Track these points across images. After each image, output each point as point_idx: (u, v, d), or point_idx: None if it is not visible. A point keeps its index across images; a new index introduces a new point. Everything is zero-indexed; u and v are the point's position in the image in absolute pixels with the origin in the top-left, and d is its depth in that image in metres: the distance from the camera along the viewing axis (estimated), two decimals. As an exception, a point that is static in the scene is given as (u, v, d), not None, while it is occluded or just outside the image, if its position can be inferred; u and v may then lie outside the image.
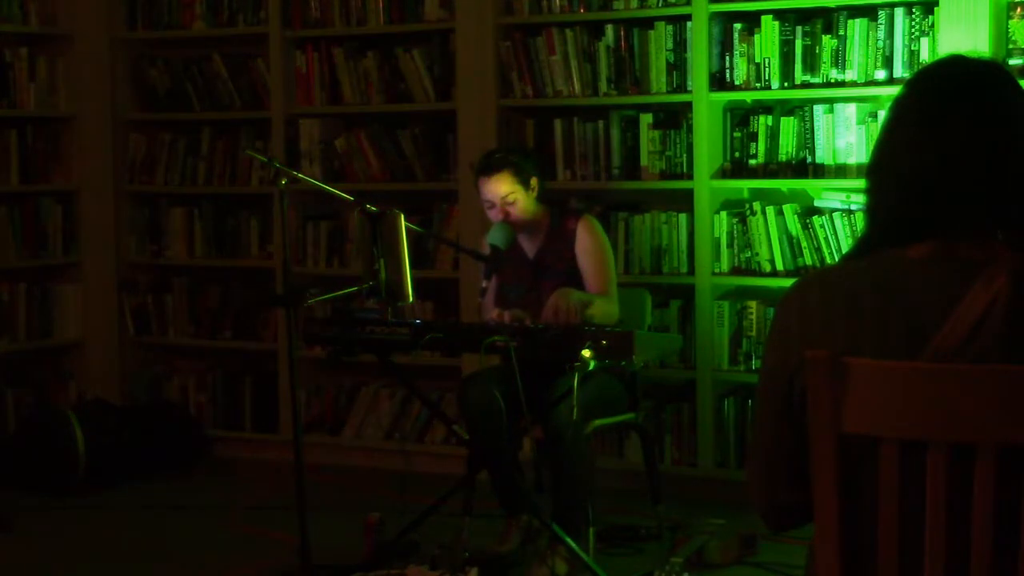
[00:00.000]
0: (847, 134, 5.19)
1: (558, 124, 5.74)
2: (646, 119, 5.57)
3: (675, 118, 5.55)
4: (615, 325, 4.51)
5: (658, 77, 5.53)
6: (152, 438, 6.06)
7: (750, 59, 5.34)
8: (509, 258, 4.73)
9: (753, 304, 5.38)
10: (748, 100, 5.42)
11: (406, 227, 4.34)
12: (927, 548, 1.81)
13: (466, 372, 5.37)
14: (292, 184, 4.65)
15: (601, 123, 5.67)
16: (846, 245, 5.13)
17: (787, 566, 4.44)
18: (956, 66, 1.98)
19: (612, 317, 4.59)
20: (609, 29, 5.60)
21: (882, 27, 5.12)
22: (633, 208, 5.63)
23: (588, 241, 4.71)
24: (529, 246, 4.79)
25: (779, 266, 5.29)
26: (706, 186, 5.40)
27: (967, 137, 1.89)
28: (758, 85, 5.33)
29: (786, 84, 5.29)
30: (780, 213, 5.29)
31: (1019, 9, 4.93)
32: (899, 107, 1.97)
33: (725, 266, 5.41)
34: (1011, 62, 4.90)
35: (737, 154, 5.41)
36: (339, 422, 6.26)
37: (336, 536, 4.82)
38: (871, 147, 2.13)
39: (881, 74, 5.11)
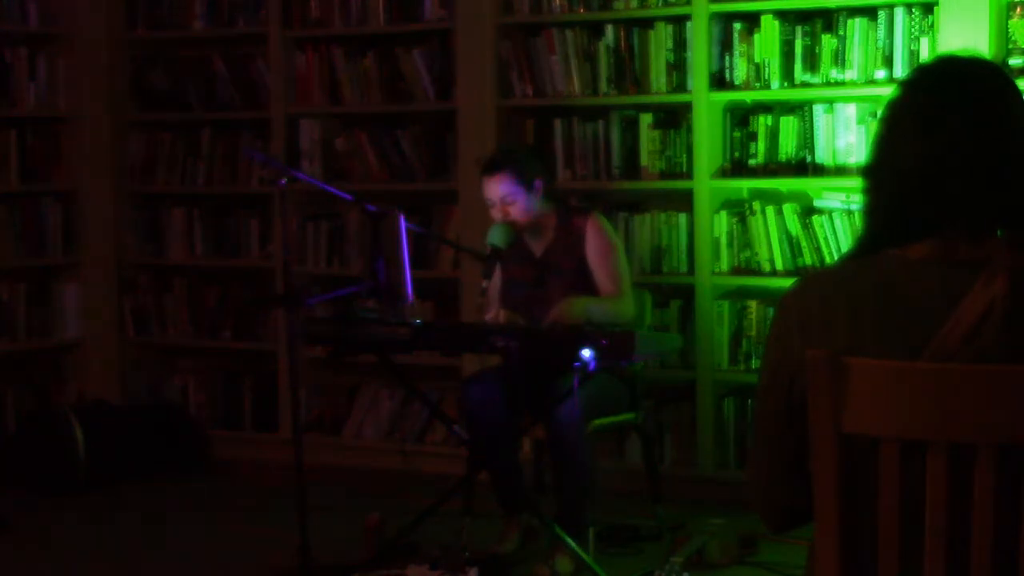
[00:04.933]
0: (847, 134, 5.19)
1: (558, 124, 5.74)
2: (646, 119, 5.57)
3: (675, 118, 5.55)
4: (630, 322, 4.54)
5: (658, 77, 5.53)
6: (152, 438, 6.07)
7: (750, 59, 5.34)
8: (514, 257, 4.73)
9: (753, 304, 5.38)
10: (748, 100, 5.42)
11: (406, 227, 4.34)
12: (927, 548, 1.81)
13: (466, 372, 5.37)
14: (292, 184, 4.66)
15: (601, 123, 5.67)
16: (846, 245, 5.13)
17: (787, 566, 4.44)
18: (950, 65, 1.98)
19: (627, 315, 4.60)
20: (609, 29, 5.60)
21: (882, 27, 5.12)
22: (633, 208, 5.63)
23: (598, 241, 4.71)
24: (535, 245, 4.78)
25: (779, 266, 5.29)
26: (706, 186, 5.40)
27: (963, 136, 1.89)
28: (758, 85, 5.33)
29: (786, 84, 5.29)
30: (780, 213, 5.29)
31: (1019, 9, 4.93)
32: (894, 108, 1.97)
33: (725, 266, 5.41)
34: (1011, 62, 4.90)
35: (737, 154, 5.41)
36: (339, 422, 6.26)
37: (336, 536, 4.82)
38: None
39: (881, 74, 5.11)
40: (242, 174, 6.42)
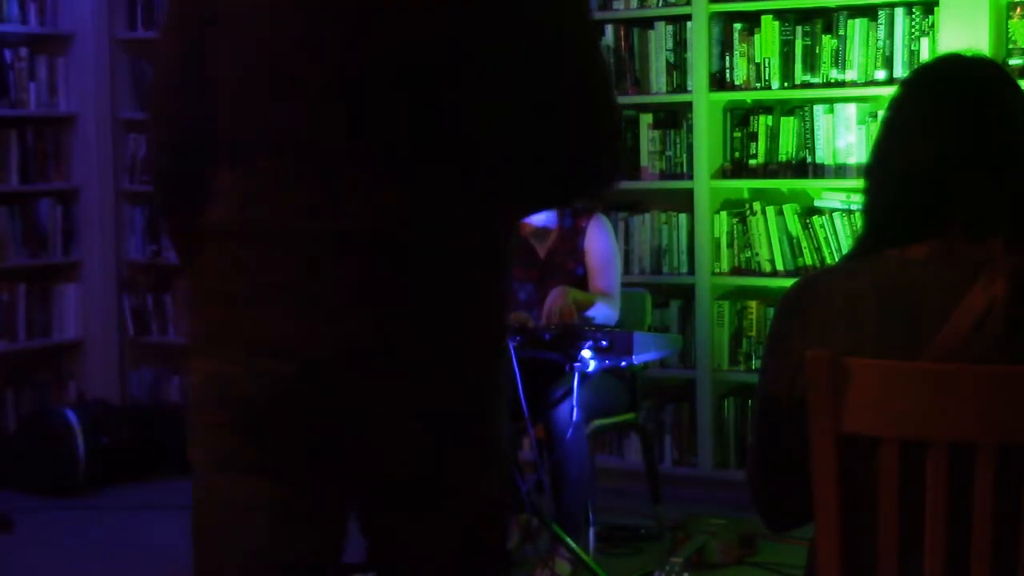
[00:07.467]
0: (847, 134, 5.19)
1: (558, 124, 5.72)
2: (646, 119, 5.57)
3: (675, 118, 5.55)
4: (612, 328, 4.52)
5: (658, 77, 5.53)
6: (152, 438, 6.06)
7: (750, 59, 5.34)
8: (518, 258, 4.73)
9: (753, 304, 5.38)
10: (748, 100, 5.42)
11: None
12: (927, 548, 1.81)
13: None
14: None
15: (601, 123, 5.66)
16: (846, 245, 5.13)
17: (787, 566, 4.44)
18: (951, 65, 1.98)
19: (613, 319, 4.59)
20: (609, 29, 5.60)
21: (882, 27, 5.12)
22: (633, 208, 5.63)
23: (598, 240, 4.70)
24: (539, 247, 4.78)
25: (779, 266, 5.29)
26: (706, 186, 5.39)
27: (964, 136, 1.89)
28: (758, 85, 5.33)
29: (786, 84, 5.28)
30: (780, 213, 5.29)
31: (1019, 9, 4.93)
32: (895, 108, 1.97)
33: (725, 266, 5.41)
34: (1011, 62, 4.89)
35: (737, 154, 5.41)
36: (339, 422, 6.25)
37: (336, 536, 4.81)
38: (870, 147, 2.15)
39: (881, 74, 5.11)
40: (242, 174, 6.41)
